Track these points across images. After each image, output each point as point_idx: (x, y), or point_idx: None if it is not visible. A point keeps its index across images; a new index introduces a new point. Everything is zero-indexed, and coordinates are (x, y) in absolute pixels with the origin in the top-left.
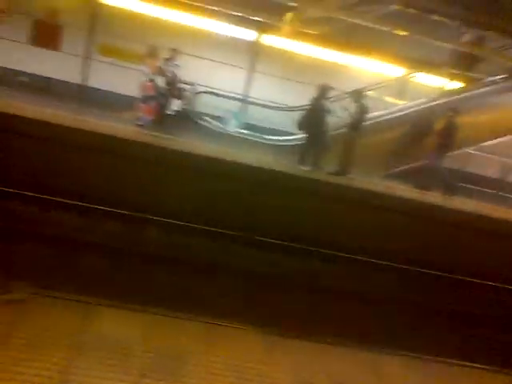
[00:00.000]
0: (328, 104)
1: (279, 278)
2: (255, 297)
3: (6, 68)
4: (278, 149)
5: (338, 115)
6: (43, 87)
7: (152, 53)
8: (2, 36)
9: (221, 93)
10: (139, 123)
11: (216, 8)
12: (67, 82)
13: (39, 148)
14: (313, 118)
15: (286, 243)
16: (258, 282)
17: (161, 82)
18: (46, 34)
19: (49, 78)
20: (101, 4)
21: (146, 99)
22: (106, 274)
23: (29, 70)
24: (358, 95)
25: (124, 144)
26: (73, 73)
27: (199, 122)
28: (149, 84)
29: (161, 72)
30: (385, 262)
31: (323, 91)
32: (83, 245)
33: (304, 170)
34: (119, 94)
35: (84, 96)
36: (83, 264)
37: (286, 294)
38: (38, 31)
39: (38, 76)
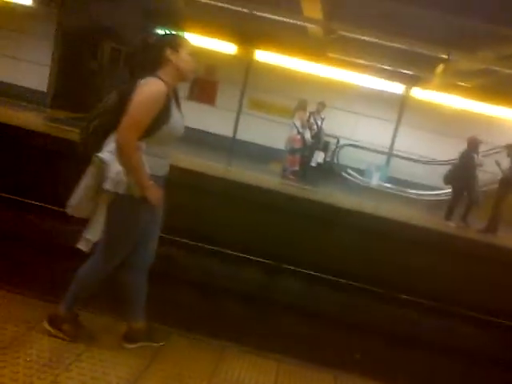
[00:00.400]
0: (478, 158)
1: None
2: None
3: None
4: (423, 203)
5: (490, 170)
6: (199, 139)
7: (302, 106)
8: None
9: (364, 145)
10: (286, 174)
11: (365, 62)
12: (220, 135)
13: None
14: (461, 173)
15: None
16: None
17: (308, 134)
18: (204, 90)
19: (204, 131)
20: (254, 60)
21: (293, 151)
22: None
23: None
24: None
25: (267, 194)
26: (227, 126)
27: (343, 174)
28: (297, 137)
29: (308, 125)
30: None
31: (473, 145)
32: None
33: (451, 226)
34: (268, 147)
35: (235, 148)
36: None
37: None
38: (196, 87)
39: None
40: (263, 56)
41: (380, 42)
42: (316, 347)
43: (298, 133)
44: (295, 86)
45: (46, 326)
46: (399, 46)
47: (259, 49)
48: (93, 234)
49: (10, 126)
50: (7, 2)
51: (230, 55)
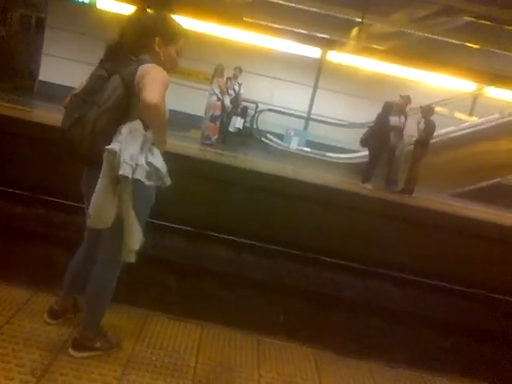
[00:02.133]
0: (400, 121)
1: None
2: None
3: None
4: (341, 167)
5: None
6: None
7: (219, 72)
8: None
9: (283, 110)
10: (207, 142)
11: (281, 26)
12: None
13: None
14: (377, 135)
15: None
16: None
17: (227, 100)
18: None
19: None
20: None
21: (213, 118)
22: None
23: None
24: (426, 111)
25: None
26: None
27: (262, 139)
28: (217, 103)
29: (226, 91)
30: None
31: (389, 108)
32: None
33: (368, 188)
34: (186, 113)
35: None
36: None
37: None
38: None
39: None
40: (179, 21)
41: (295, 5)
42: (240, 311)
43: (218, 99)
44: (212, 52)
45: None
46: (314, 10)
47: (174, 13)
48: (133, 241)
49: None
50: None
51: None
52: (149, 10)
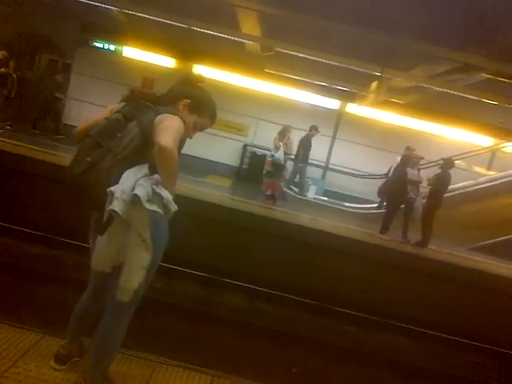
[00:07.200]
0: (418, 175)
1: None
2: None
3: None
4: (358, 216)
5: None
6: None
7: (285, 132)
8: None
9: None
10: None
11: (301, 78)
12: None
13: None
14: (394, 187)
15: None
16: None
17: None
18: None
19: None
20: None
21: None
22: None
23: None
24: (447, 164)
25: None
26: None
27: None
28: (269, 159)
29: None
30: None
31: (407, 160)
32: None
33: (385, 239)
34: (204, 159)
35: None
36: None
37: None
38: None
39: None
40: (201, 70)
41: (316, 59)
42: (252, 361)
43: (271, 156)
44: (230, 100)
45: None
46: (335, 63)
47: (198, 63)
48: (131, 280)
49: None
50: None
51: (168, 69)
52: (175, 61)
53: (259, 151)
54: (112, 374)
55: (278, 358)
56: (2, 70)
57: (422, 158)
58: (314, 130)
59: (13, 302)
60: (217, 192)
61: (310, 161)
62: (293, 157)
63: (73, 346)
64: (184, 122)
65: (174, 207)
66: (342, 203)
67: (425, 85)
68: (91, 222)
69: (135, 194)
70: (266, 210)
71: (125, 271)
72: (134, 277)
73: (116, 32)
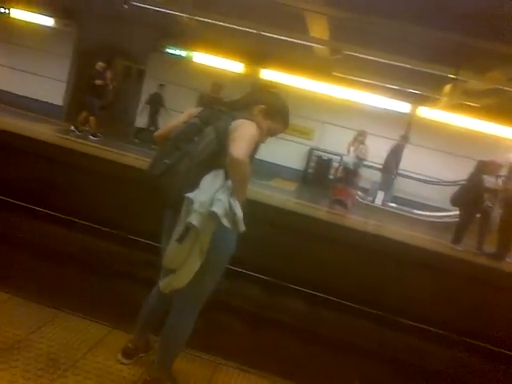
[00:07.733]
0: (496, 183)
1: None
2: None
3: None
4: (428, 225)
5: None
6: None
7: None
8: None
9: (369, 164)
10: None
11: (372, 81)
12: None
13: None
14: (470, 195)
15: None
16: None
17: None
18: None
19: None
20: (260, 79)
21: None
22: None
23: None
24: None
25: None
26: None
27: None
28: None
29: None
30: None
31: (482, 167)
32: None
33: (459, 250)
34: (271, 163)
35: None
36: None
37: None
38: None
39: None
40: (269, 74)
41: (387, 62)
42: (313, 369)
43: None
44: (297, 104)
45: None
46: (407, 66)
47: (265, 68)
48: (180, 279)
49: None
50: (31, 23)
51: (236, 74)
52: (243, 66)
53: (325, 155)
54: (175, 372)
55: (340, 369)
56: (99, 81)
57: (502, 165)
58: (403, 139)
59: (84, 295)
60: (282, 196)
61: (378, 165)
62: (368, 163)
63: (140, 342)
64: (259, 128)
65: (242, 227)
66: (411, 210)
67: (501, 87)
68: (164, 222)
69: (214, 212)
70: (328, 215)
71: (179, 268)
72: (183, 278)
73: (187, 38)
